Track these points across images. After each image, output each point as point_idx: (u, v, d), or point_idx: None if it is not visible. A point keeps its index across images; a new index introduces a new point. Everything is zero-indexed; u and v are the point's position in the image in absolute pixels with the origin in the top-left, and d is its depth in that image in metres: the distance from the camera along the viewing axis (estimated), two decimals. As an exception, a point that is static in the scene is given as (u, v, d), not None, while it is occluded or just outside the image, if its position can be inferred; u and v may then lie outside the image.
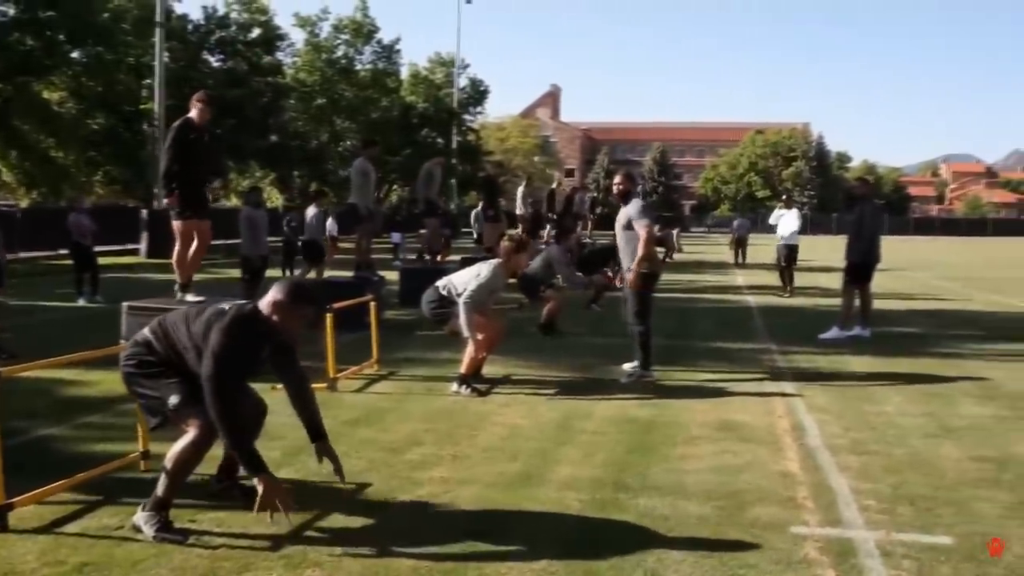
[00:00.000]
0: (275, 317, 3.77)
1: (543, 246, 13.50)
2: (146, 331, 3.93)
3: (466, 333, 6.70)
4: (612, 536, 3.84)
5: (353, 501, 4.27)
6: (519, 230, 15.64)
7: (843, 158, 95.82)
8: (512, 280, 7.84)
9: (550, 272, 10.25)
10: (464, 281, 6.86)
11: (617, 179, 7.96)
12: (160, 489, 3.70)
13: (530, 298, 10.42)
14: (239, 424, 3.64)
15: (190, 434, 3.68)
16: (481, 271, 6.89)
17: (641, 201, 7.67)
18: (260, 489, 3.59)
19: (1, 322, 8.94)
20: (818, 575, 3.46)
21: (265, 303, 3.80)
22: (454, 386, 6.80)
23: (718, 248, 34.34)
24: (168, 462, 3.71)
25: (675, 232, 28.50)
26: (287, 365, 4.02)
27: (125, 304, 7.34)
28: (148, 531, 3.65)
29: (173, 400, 3.71)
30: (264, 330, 3.79)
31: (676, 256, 27.22)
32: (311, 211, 14.59)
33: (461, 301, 6.69)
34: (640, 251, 7.29)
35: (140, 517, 3.71)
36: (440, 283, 7.11)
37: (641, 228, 7.32)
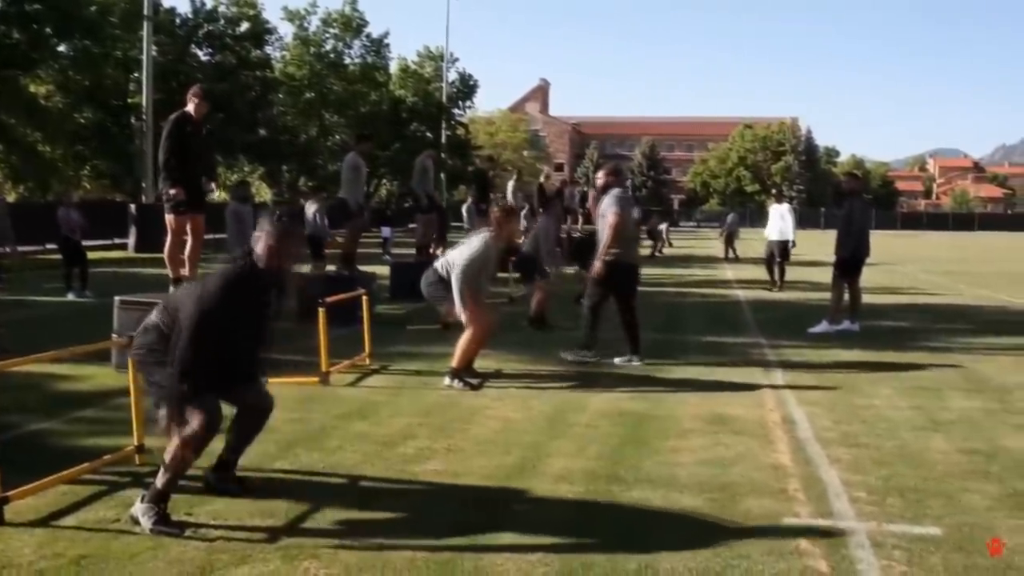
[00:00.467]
0: (273, 261, 3.82)
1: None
2: (154, 316, 3.95)
3: (458, 308, 6.69)
4: (606, 528, 3.88)
5: (349, 494, 4.30)
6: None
7: (831, 153, 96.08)
8: (504, 274, 7.85)
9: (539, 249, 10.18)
10: (457, 255, 6.87)
11: (600, 173, 8.01)
12: (159, 481, 3.71)
13: (526, 279, 10.35)
14: (193, 375, 3.61)
15: (190, 427, 3.68)
16: (472, 243, 6.88)
17: (619, 191, 7.69)
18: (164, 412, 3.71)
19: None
20: (810, 566, 3.50)
21: (259, 252, 3.83)
22: (446, 380, 6.81)
23: (708, 243, 34.44)
24: (167, 455, 3.72)
25: (664, 227, 28.55)
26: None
27: (117, 298, 7.32)
28: (145, 523, 3.66)
29: (177, 391, 3.71)
30: (265, 279, 3.85)
31: (666, 251, 27.30)
32: (312, 207, 14.47)
33: (453, 275, 6.67)
34: (605, 238, 7.32)
35: (138, 509, 3.72)
36: (438, 263, 7.10)
37: (610, 215, 7.35)
